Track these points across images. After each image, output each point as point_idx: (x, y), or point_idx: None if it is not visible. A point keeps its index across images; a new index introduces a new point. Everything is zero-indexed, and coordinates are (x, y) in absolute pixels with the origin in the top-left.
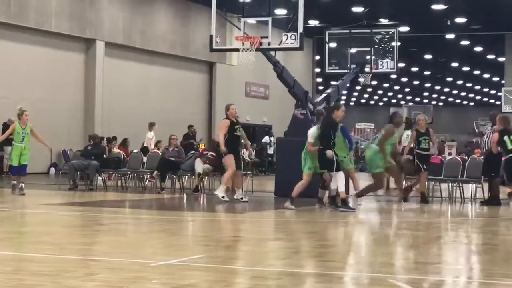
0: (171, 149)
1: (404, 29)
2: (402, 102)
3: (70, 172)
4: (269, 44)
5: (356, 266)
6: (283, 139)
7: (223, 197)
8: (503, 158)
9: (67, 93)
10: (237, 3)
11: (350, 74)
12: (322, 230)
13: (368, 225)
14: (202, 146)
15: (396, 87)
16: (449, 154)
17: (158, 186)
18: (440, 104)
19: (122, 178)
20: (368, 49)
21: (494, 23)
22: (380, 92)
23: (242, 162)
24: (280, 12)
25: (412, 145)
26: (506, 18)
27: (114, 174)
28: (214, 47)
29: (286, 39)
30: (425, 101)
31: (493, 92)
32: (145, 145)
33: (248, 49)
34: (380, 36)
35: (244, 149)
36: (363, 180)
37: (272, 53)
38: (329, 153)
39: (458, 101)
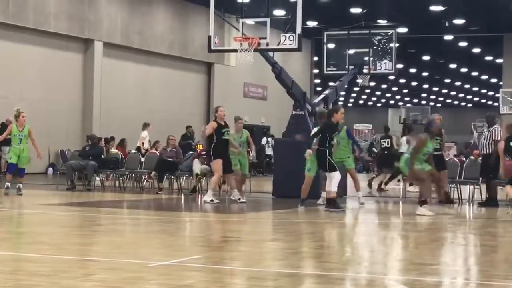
0: (169, 149)
1: (403, 30)
2: (400, 103)
3: (68, 173)
4: (267, 45)
5: (354, 267)
6: (281, 140)
7: (212, 200)
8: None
9: (65, 93)
10: (236, 3)
11: (348, 75)
12: (320, 231)
13: (366, 226)
14: (200, 147)
15: (394, 88)
16: (448, 155)
17: (156, 186)
18: (438, 105)
19: (120, 178)
20: (367, 50)
21: (492, 25)
22: (378, 93)
23: (231, 164)
24: (279, 13)
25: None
26: (504, 19)
27: (112, 175)
28: (213, 47)
29: (285, 40)
30: (423, 102)
31: (491, 93)
32: (138, 144)
33: (246, 50)
34: (379, 37)
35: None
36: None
37: (271, 54)
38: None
39: (456, 102)
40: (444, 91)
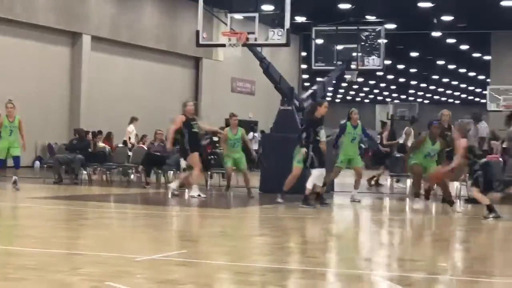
0: (156, 143)
1: (391, 26)
2: (388, 99)
3: (55, 166)
4: (255, 40)
5: (340, 263)
6: (268, 134)
7: (199, 195)
8: None
9: (53, 87)
10: None
11: (336, 70)
12: (306, 227)
13: (353, 222)
14: None
15: (382, 84)
16: None
17: (143, 180)
18: (426, 101)
19: (107, 172)
20: (355, 46)
21: (480, 22)
22: (366, 89)
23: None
24: (267, 8)
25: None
26: (492, 16)
27: (99, 168)
28: (201, 42)
29: (273, 35)
30: (411, 98)
31: (478, 90)
32: (124, 138)
33: (234, 45)
34: (367, 33)
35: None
36: (349, 176)
37: (259, 49)
38: (302, 150)
39: (444, 99)
40: (432, 87)
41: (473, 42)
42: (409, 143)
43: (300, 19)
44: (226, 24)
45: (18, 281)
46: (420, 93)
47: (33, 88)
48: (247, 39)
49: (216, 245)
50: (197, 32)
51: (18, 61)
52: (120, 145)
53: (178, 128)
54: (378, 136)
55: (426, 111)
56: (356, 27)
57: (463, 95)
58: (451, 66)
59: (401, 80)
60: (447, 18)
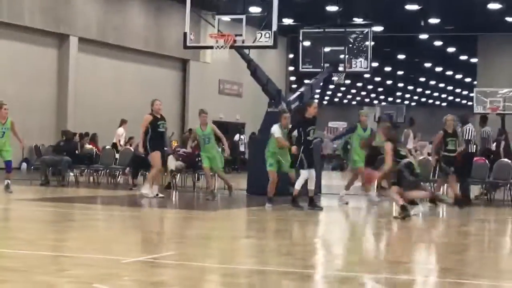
0: None
1: (378, 29)
2: (375, 102)
3: (42, 168)
4: (243, 42)
5: (326, 265)
6: (255, 137)
7: (157, 195)
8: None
9: (40, 88)
10: (212, 0)
11: (324, 73)
12: (293, 229)
13: (341, 224)
14: (174, 143)
15: (370, 87)
16: (422, 153)
17: (130, 182)
18: (413, 104)
19: (94, 174)
20: (342, 48)
21: (467, 25)
22: (353, 91)
23: (164, 159)
24: (255, 10)
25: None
26: (479, 19)
27: (86, 170)
28: (188, 44)
29: (260, 37)
30: (398, 101)
31: (465, 93)
32: (114, 141)
33: (222, 47)
34: (354, 35)
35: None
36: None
37: (246, 51)
38: (293, 148)
39: (430, 101)
40: (419, 90)
41: (460, 44)
42: (409, 146)
43: (287, 21)
44: (213, 26)
45: (3, 283)
46: (407, 95)
47: (20, 90)
48: (235, 41)
49: (203, 247)
50: (185, 34)
51: (5, 63)
52: (108, 146)
53: (146, 129)
54: None
55: (413, 113)
56: (343, 30)
57: (450, 98)
58: (438, 69)
59: (388, 82)
60: (434, 20)
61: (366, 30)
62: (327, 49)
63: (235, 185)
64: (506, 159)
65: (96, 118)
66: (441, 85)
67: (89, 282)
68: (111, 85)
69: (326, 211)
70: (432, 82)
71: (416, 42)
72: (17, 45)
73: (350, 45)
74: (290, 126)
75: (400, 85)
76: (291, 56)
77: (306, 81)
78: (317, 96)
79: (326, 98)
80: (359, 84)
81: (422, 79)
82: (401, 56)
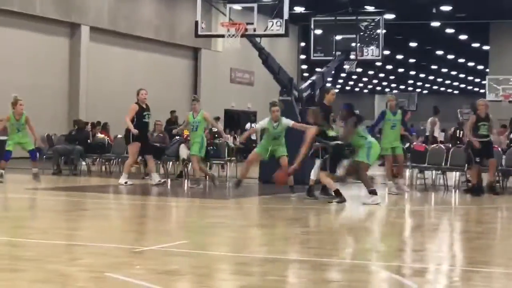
0: (155, 134)
1: (390, 16)
2: (387, 90)
3: (54, 157)
4: (254, 30)
5: (339, 253)
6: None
7: (126, 182)
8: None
9: (52, 78)
10: None
11: (335, 61)
12: (306, 217)
13: (353, 213)
14: (186, 132)
15: (381, 75)
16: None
17: (142, 171)
18: (425, 91)
19: (106, 163)
20: (354, 36)
21: (479, 12)
22: (365, 79)
23: (152, 147)
24: None
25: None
26: (491, 6)
27: (98, 159)
28: (199, 33)
29: (272, 26)
30: (410, 88)
31: (477, 80)
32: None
33: (233, 35)
34: (366, 23)
35: (229, 135)
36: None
37: (258, 39)
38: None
39: (442, 89)
40: (431, 77)
41: (472, 32)
42: (436, 134)
43: (299, 9)
44: (225, 14)
45: (16, 272)
46: (419, 83)
47: (32, 79)
48: (246, 29)
49: (215, 235)
50: (196, 23)
51: (17, 52)
52: (120, 136)
53: (132, 118)
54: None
55: (425, 101)
56: (355, 17)
57: (462, 85)
58: (450, 56)
59: (400, 70)
60: (446, 8)
61: (377, 18)
62: (338, 37)
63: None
64: None
65: (108, 107)
66: (453, 72)
67: (101, 271)
68: (123, 74)
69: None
70: (444, 70)
71: (428, 29)
72: (28, 35)
73: (362, 33)
74: (281, 119)
75: (412, 73)
76: (302, 44)
77: (317, 70)
78: (328, 84)
79: (338, 86)
80: (371, 72)
81: (434, 67)
82: (413, 44)
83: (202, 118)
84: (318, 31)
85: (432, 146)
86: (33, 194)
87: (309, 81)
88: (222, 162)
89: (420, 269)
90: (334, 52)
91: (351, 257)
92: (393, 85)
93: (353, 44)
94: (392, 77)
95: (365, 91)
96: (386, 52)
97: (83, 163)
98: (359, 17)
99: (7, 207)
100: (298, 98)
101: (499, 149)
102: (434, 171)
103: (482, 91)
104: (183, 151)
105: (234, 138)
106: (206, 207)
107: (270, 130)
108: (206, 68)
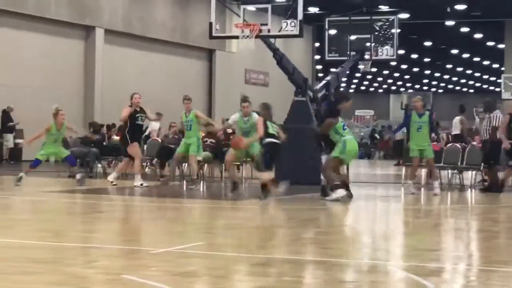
0: (170, 136)
1: (404, 16)
2: (402, 89)
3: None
4: (268, 31)
5: (356, 253)
6: (282, 126)
7: (141, 184)
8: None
9: (67, 81)
10: None
11: (350, 61)
12: (321, 217)
13: (368, 213)
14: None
15: (396, 74)
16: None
17: (158, 173)
18: (440, 91)
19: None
20: (368, 36)
21: (494, 10)
22: (379, 79)
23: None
24: None
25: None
26: (506, 5)
27: (113, 161)
28: (214, 34)
29: (286, 26)
30: (425, 88)
31: (493, 79)
32: (151, 136)
33: (247, 36)
34: (380, 23)
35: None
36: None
37: (272, 40)
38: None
39: (457, 88)
40: (446, 76)
41: (487, 30)
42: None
43: (313, 9)
44: (239, 15)
45: (34, 274)
46: (434, 83)
47: (47, 82)
48: (260, 30)
49: (231, 237)
50: (210, 24)
51: (32, 56)
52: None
53: (125, 120)
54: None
55: (440, 100)
56: (369, 17)
57: (477, 84)
58: (465, 55)
59: (415, 69)
60: (460, 7)
61: (392, 17)
62: (353, 37)
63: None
64: None
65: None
66: (468, 71)
67: (117, 273)
68: (137, 76)
69: (356, 199)
70: (459, 69)
71: (443, 28)
72: (43, 38)
73: (376, 33)
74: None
75: (427, 72)
76: (317, 44)
77: (332, 70)
78: (343, 84)
79: (353, 86)
80: (386, 72)
81: (449, 66)
82: (427, 43)
83: (194, 117)
84: (333, 31)
85: (448, 145)
86: (49, 196)
87: (324, 81)
88: (238, 163)
89: (437, 268)
90: (348, 52)
91: (367, 257)
92: (408, 84)
93: (368, 44)
94: (407, 77)
95: (380, 91)
96: (401, 52)
97: (99, 165)
98: (373, 17)
99: (23, 209)
100: (313, 99)
101: None
102: (450, 171)
103: (497, 89)
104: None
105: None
106: (221, 208)
107: (240, 125)
108: (220, 70)
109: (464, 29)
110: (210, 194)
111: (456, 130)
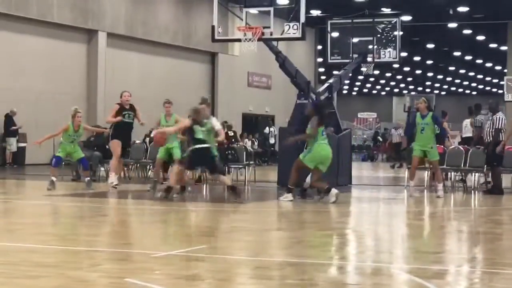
0: None
1: (407, 18)
2: (405, 92)
3: (73, 163)
4: (271, 34)
5: (358, 256)
6: (285, 129)
7: (112, 183)
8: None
9: (69, 84)
10: None
11: (353, 63)
12: (324, 220)
13: (372, 215)
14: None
15: (399, 77)
16: (452, 143)
17: (161, 176)
18: (443, 93)
19: (125, 168)
20: (371, 38)
21: (497, 12)
22: (382, 81)
23: (125, 149)
24: (282, 2)
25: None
26: (508, 6)
27: None
28: (216, 37)
29: (288, 29)
30: (428, 90)
31: (495, 81)
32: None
33: (250, 40)
34: (382, 25)
35: (246, 139)
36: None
37: (274, 43)
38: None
39: (460, 90)
40: (449, 79)
41: (490, 32)
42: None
43: (315, 12)
44: (241, 18)
45: (37, 278)
46: (436, 85)
47: (49, 86)
48: (263, 33)
49: (234, 240)
50: (213, 27)
51: (35, 59)
52: (138, 141)
53: (110, 122)
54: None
55: (443, 102)
56: (371, 20)
57: (480, 86)
58: (467, 57)
59: (418, 72)
60: (463, 9)
61: (394, 20)
62: (355, 40)
63: (265, 178)
64: None
65: None
66: (471, 73)
67: (121, 276)
68: (140, 79)
69: (358, 202)
70: (462, 71)
71: (445, 30)
72: (46, 41)
73: (379, 35)
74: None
75: (430, 74)
76: (319, 47)
77: (335, 72)
78: (346, 86)
79: (355, 88)
80: (388, 74)
81: (452, 68)
82: (430, 45)
83: (174, 123)
84: (335, 34)
85: (451, 147)
86: (52, 200)
87: (326, 84)
88: (241, 166)
89: (440, 271)
90: (351, 55)
91: (371, 259)
92: (411, 86)
93: (370, 47)
94: (409, 79)
95: (383, 93)
96: (403, 54)
97: (102, 168)
98: (375, 20)
99: (26, 213)
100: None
101: None
102: (453, 173)
103: (500, 91)
104: None
105: (252, 142)
106: (224, 212)
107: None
108: (223, 73)
109: (467, 31)
110: (214, 197)
111: (467, 133)
